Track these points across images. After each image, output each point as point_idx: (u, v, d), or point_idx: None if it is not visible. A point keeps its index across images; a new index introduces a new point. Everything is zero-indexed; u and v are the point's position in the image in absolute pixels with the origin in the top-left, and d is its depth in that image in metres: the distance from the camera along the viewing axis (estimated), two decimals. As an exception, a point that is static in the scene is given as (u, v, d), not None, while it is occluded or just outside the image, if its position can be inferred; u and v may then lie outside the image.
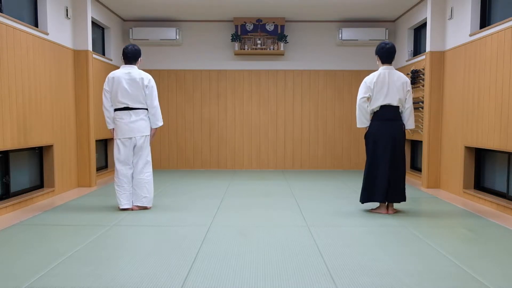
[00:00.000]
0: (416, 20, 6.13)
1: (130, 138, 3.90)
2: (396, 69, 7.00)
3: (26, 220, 3.60)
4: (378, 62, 3.94)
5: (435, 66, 5.34)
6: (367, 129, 3.89)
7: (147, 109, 3.95)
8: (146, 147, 3.97)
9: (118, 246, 2.88)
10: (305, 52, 7.12)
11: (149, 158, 4.01)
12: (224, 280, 2.27)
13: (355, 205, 4.27)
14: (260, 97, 7.19)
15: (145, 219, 3.64)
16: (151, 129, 4.01)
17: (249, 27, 6.87)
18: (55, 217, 3.73)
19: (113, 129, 3.97)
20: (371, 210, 3.96)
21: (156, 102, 3.94)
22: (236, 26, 6.88)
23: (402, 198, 3.84)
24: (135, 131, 3.90)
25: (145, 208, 4.01)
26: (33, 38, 4.38)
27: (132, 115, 3.89)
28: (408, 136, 6.42)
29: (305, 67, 7.15)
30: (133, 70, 3.91)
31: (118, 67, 6.74)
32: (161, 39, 6.79)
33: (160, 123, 3.99)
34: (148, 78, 3.90)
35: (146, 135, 3.94)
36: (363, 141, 7.11)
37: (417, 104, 5.97)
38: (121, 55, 4.19)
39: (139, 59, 4.03)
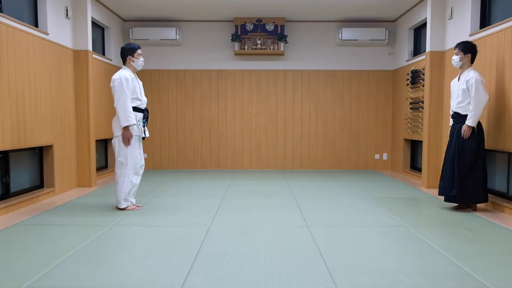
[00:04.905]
0: (416, 20, 6.13)
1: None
2: (396, 69, 7.07)
3: (26, 220, 3.60)
4: (465, 61, 3.95)
5: (435, 66, 5.34)
6: (472, 129, 3.89)
7: None
8: (118, 147, 3.94)
9: (118, 246, 2.88)
10: (305, 52, 7.12)
11: (121, 159, 3.93)
12: (224, 280, 2.27)
13: (355, 205, 4.28)
14: (260, 97, 7.19)
15: (145, 219, 3.64)
16: (134, 128, 3.93)
17: (249, 27, 6.87)
18: (55, 217, 3.73)
19: None
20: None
21: (116, 103, 3.82)
22: (236, 26, 6.88)
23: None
24: (113, 131, 3.99)
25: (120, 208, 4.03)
26: (33, 38, 4.38)
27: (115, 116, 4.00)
28: (408, 136, 6.42)
29: (305, 67, 7.14)
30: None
31: (118, 67, 6.75)
32: (161, 39, 6.79)
33: (123, 122, 3.80)
34: (112, 79, 3.87)
35: (116, 136, 3.93)
36: (363, 141, 7.16)
37: (417, 104, 5.97)
38: None
39: (127, 57, 3.97)
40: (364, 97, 7.18)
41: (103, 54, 6.45)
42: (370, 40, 6.82)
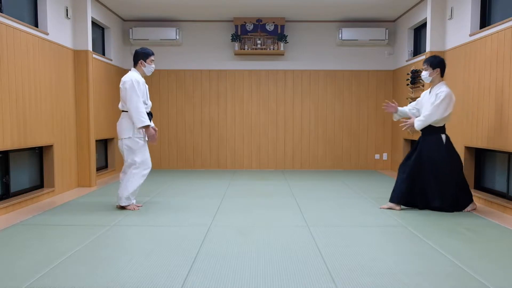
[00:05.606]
0: (416, 20, 6.13)
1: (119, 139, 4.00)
2: (396, 69, 7.06)
3: (26, 220, 3.60)
4: (435, 75, 3.97)
5: (435, 66, 5.33)
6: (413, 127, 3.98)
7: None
8: (126, 150, 3.90)
9: (118, 246, 2.88)
10: (305, 52, 7.12)
11: (131, 161, 3.90)
12: (224, 280, 2.27)
13: (355, 205, 4.28)
14: (260, 97, 7.19)
15: (145, 219, 3.64)
16: (141, 130, 3.91)
17: (249, 27, 6.87)
18: (55, 217, 3.73)
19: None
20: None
21: (129, 105, 3.81)
22: (236, 26, 6.88)
23: None
24: (117, 134, 3.98)
25: (121, 207, 4.02)
26: (33, 38, 4.38)
27: (119, 118, 3.98)
28: (409, 136, 6.42)
29: (305, 67, 7.15)
30: (128, 73, 3.98)
31: (118, 67, 6.76)
32: (161, 39, 6.79)
33: (137, 124, 3.80)
34: (122, 81, 3.86)
35: (123, 138, 3.89)
36: (363, 141, 7.16)
37: (417, 104, 5.97)
38: None
39: (139, 61, 3.98)
40: (364, 97, 7.18)
41: (103, 54, 6.45)
42: (370, 40, 6.82)
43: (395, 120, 4.41)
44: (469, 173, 4.77)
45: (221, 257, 2.64)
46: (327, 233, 3.20)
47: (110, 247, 2.84)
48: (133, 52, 4.04)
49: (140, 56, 3.98)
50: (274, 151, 7.24)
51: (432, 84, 4.02)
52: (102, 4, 6.06)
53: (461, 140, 4.82)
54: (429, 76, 3.99)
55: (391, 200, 4.04)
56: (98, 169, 6.21)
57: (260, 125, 7.21)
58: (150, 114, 4.06)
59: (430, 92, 4.04)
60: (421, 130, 4.03)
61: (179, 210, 4.00)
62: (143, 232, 3.25)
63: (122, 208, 3.99)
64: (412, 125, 3.98)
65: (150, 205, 4.25)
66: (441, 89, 3.89)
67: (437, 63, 3.95)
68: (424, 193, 3.97)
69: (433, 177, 3.89)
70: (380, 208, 4.09)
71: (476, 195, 4.47)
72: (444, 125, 3.97)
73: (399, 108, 4.25)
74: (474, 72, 4.56)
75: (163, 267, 2.46)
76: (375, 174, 6.70)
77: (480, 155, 4.75)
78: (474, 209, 4.03)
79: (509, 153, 4.15)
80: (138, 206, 4.08)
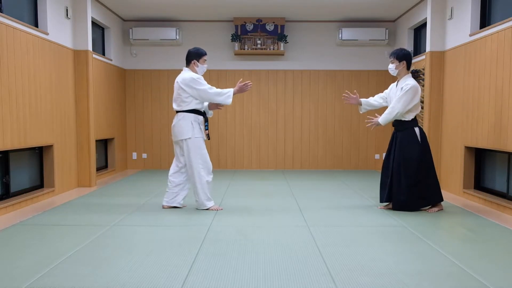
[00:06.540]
0: (416, 20, 6.13)
1: (175, 141, 3.95)
2: (396, 69, 7.03)
3: (26, 220, 3.60)
4: (401, 68, 3.93)
5: (435, 66, 5.34)
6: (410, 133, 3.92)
7: (186, 111, 3.85)
8: (187, 151, 3.85)
9: (118, 246, 2.88)
10: (305, 52, 7.12)
11: (195, 161, 3.84)
12: (224, 280, 2.27)
13: (355, 205, 4.28)
14: (260, 97, 7.19)
15: (145, 219, 3.64)
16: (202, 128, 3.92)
17: (249, 27, 6.87)
18: (55, 217, 3.73)
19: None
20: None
21: (206, 95, 3.79)
22: (236, 26, 6.88)
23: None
24: (174, 135, 3.93)
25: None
26: (33, 38, 4.38)
27: (174, 119, 3.94)
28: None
29: (305, 67, 7.15)
30: (181, 73, 3.92)
31: (117, 67, 6.75)
32: (161, 39, 6.79)
33: (228, 101, 3.82)
34: (189, 78, 3.77)
35: (184, 139, 3.84)
36: (363, 141, 7.16)
37: (417, 104, 5.97)
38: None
39: (192, 61, 3.92)
40: (364, 97, 7.16)
41: (103, 54, 6.45)
42: (370, 40, 6.82)
43: (361, 112, 4.34)
44: (469, 173, 4.77)
45: (221, 257, 2.64)
46: (327, 233, 3.20)
47: (110, 247, 2.84)
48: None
49: (194, 56, 3.93)
50: (274, 151, 7.24)
51: (399, 77, 3.99)
52: (102, 4, 6.06)
53: (461, 140, 4.82)
54: (396, 68, 3.96)
55: (382, 200, 4.04)
56: (98, 169, 6.21)
57: (260, 125, 7.21)
58: (204, 114, 4.00)
59: (397, 85, 4.01)
60: (394, 126, 4.03)
61: (179, 210, 4.00)
62: (143, 232, 3.25)
63: (207, 209, 3.99)
64: (377, 123, 3.96)
65: (150, 205, 4.25)
66: (407, 82, 3.87)
67: (403, 55, 3.92)
68: (391, 186, 3.93)
69: (403, 172, 3.85)
70: (379, 208, 4.10)
71: (476, 195, 4.47)
72: (416, 117, 3.93)
73: (364, 100, 4.22)
74: (474, 72, 4.56)
75: (163, 267, 2.46)
76: (375, 174, 6.70)
77: (480, 155, 4.75)
78: (441, 209, 3.98)
79: (509, 153, 4.15)
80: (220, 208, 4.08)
